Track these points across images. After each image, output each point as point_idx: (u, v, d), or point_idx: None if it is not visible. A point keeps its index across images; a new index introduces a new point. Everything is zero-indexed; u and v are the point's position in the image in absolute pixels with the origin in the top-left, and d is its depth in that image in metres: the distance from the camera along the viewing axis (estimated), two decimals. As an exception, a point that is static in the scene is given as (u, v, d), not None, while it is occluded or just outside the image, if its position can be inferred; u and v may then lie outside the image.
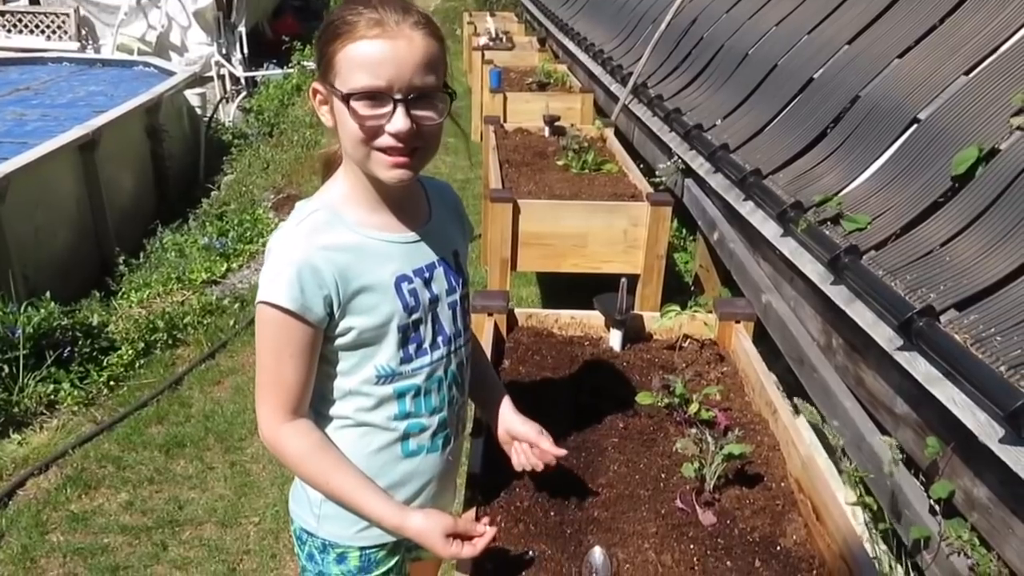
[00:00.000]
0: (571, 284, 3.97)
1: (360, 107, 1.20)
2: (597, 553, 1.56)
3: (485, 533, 1.36)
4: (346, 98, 1.20)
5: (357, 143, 1.24)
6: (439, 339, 1.43)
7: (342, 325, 1.31)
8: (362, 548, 1.47)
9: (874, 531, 2.30)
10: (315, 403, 1.39)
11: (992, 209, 2.29)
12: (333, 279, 1.27)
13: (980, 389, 1.83)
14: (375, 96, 1.20)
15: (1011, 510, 1.82)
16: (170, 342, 4.24)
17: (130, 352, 4.02)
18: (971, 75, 2.75)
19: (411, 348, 1.39)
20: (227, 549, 2.83)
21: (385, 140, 1.23)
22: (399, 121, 1.21)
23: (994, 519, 1.89)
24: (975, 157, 2.42)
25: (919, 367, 2.09)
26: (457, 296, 1.46)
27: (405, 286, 1.36)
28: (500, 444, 1.67)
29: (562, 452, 1.61)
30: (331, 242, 1.28)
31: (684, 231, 4.91)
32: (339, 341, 1.33)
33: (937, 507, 2.06)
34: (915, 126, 2.83)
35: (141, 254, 5.57)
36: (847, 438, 2.45)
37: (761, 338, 3.52)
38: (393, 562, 1.52)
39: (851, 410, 2.46)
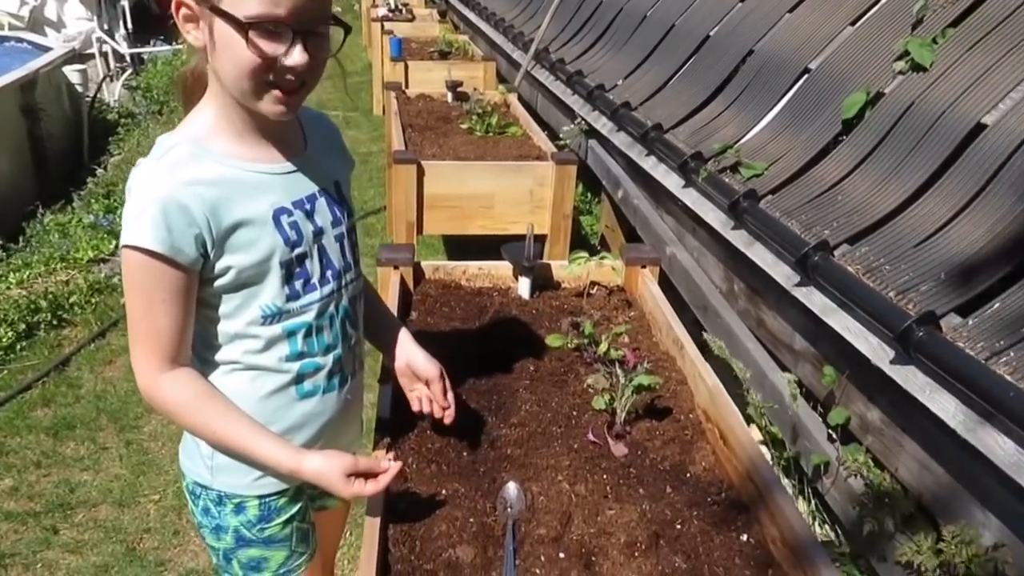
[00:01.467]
0: (479, 249, 3.94)
1: (258, 37, 1.11)
2: (511, 487, 1.54)
3: (389, 469, 1.31)
4: (243, 26, 1.09)
5: (244, 75, 1.15)
6: (328, 273, 1.37)
7: (219, 265, 1.23)
8: (261, 497, 1.41)
9: (778, 462, 2.37)
10: (199, 349, 1.31)
11: (879, 148, 2.38)
12: (203, 216, 1.17)
13: (872, 315, 1.90)
14: (273, 26, 1.11)
15: (901, 428, 1.91)
16: (55, 323, 3.99)
17: (10, 334, 3.76)
18: (857, 25, 2.85)
19: (297, 284, 1.32)
20: (125, 529, 2.69)
21: (279, 74, 1.16)
22: (298, 55, 1.14)
23: (886, 439, 1.98)
24: (863, 101, 2.51)
25: (815, 300, 2.16)
26: (343, 228, 1.40)
27: (285, 219, 1.28)
28: (399, 380, 1.62)
29: (450, 410, 1.57)
30: (197, 176, 1.18)
31: (589, 195, 4.95)
32: (219, 282, 1.24)
33: (834, 434, 2.14)
34: (806, 76, 2.92)
35: (20, 238, 5.22)
36: (751, 377, 2.52)
37: (668, 291, 3.59)
38: (295, 509, 1.46)
39: (753, 351, 2.53)
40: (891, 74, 2.54)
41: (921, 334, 1.73)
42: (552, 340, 2.04)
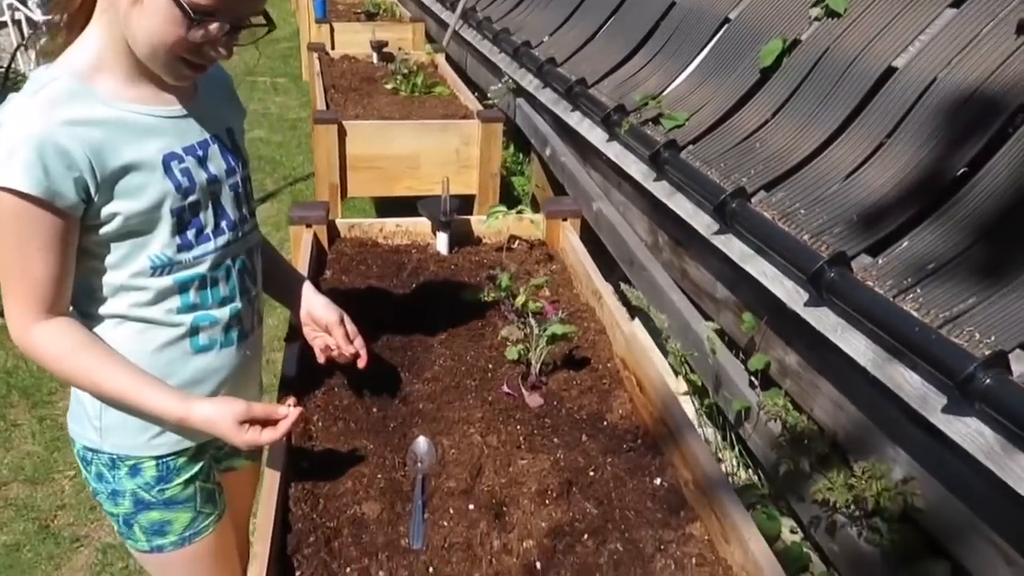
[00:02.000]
0: (412, 213, 3.85)
1: (193, 25, 1.08)
2: (421, 441, 1.50)
3: (288, 415, 1.26)
4: (184, 9, 1.05)
5: (161, 47, 1.10)
6: (223, 224, 1.30)
7: (105, 211, 1.15)
8: (157, 457, 1.34)
9: (702, 410, 2.39)
10: (82, 303, 1.23)
11: (796, 95, 2.38)
12: (85, 158, 1.09)
13: (786, 259, 1.90)
14: (212, 15, 1.08)
15: (817, 370, 1.92)
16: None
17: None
18: (775, -27, 2.84)
19: (190, 234, 1.25)
20: (38, 507, 2.58)
21: (197, 56, 1.13)
22: (224, 47, 1.14)
23: (803, 382, 2.00)
24: (780, 49, 2.51)
25: (734, 247, 2.16)
26: (238, 178, 1.33)
27: (176, 165, 1.21)
28: (302, 331, 1.57)
29: (362, 353, 1.53)
30: (78, 116, 1.10)
31: (520, 155, 4.89)
32: (104, 230, 1.16)
33: (755, 379, 2.15)
34: (726, 26, 2.90)
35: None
36: (675, 328, 2.52)
37: (595, 247, 3.57)
38: (196, 468, 1.40)
39: (677, 302, 2.52)
40: (807, 20, 2.53)
41: (832, 275, 1.73)
42: (469, 293, 2.00)
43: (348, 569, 1.24)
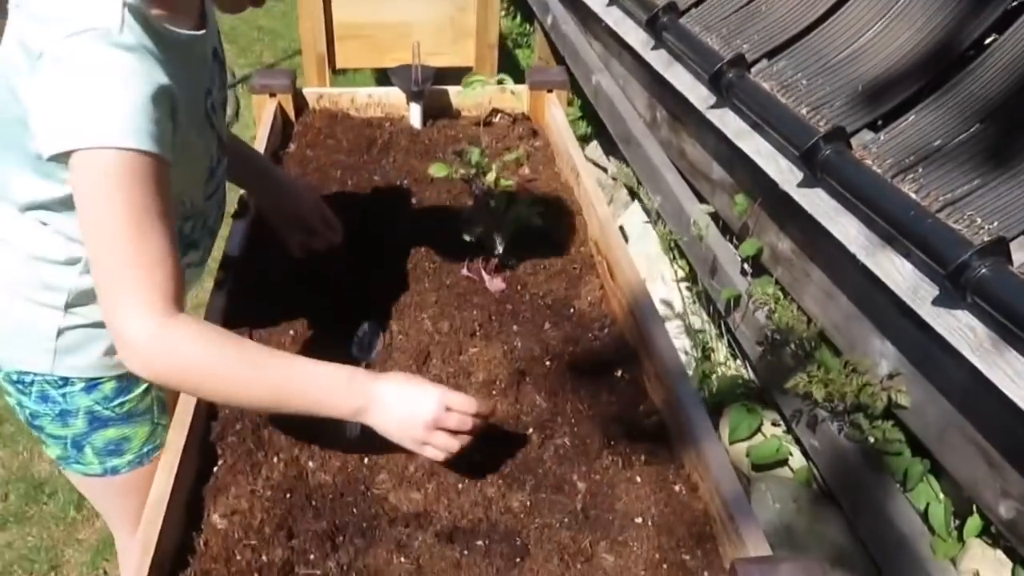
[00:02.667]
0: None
1: None
2: (365, 327, 1.41)
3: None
4: None
5: None
6: (220, 150, 1.23)
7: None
8: (118, 376, 1.26)
9: (693, 298, 2.28)
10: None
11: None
12: (167, 96, 0.93)
13: (782, 134, 1.74)
14: None
15: (809, 257, 1.79)
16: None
17: None
18: None
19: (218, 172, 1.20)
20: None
21: None
22: None
23: (795, 270, 1.87)
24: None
25: (729, 123, 1.98)
26: (224, 93, 1.26)
27: (208, 100, 1.13)
28: (270, 219, 1.47)
29: (337, 239, 1.49)
30: (152, 46, 0.93)
31: (526, 26, 4.61)
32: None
33: (746, 266, 2.03)
34: None
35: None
36: (668, 211, 2.38)
37: (596, 122, 3.38)
38: None
39: (673, 183, 2.37)
40: None
41: (828, 152, 1.57)
42: (436, 169, 1.85)
43: (275, 459, 1.18)
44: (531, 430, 1.23)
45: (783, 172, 1.76)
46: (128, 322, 0.91)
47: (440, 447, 1.02)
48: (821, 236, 1.68)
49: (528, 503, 1.12)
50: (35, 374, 1.22)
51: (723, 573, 1.03)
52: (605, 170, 3.44)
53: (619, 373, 1.38)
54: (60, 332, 1.19)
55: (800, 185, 1.70)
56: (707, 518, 1.09)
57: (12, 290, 1.18)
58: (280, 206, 1.48)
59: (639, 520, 1.09)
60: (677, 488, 1.14)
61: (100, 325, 1.12)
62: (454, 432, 1.03)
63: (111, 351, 1.19)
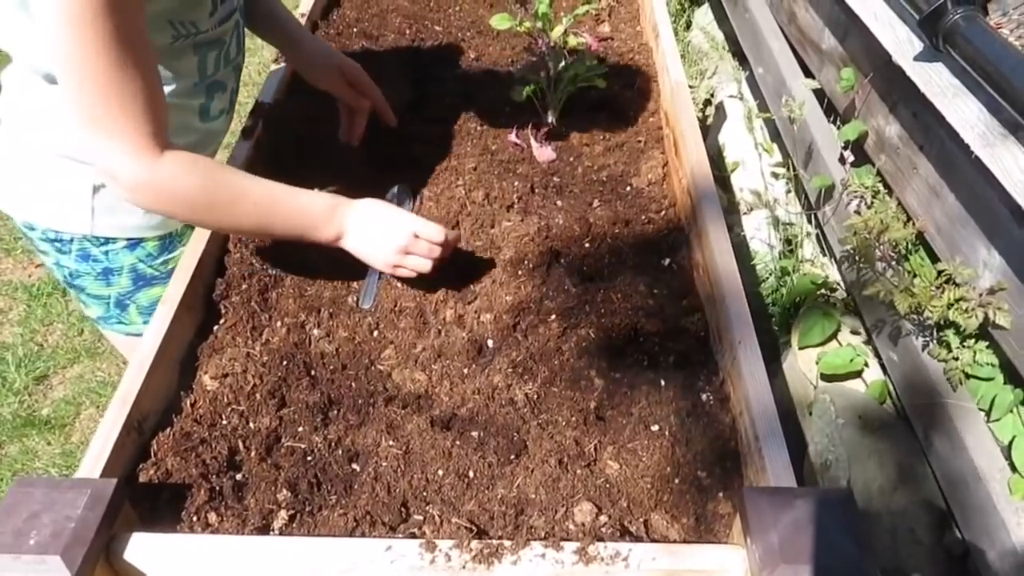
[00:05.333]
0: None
1: None
2: (395, 190, 1.30)
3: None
4: None
5: None
6: None
7: None
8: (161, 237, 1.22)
9: (787, 182, 2.05)
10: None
11: None
12: None
13: (905, -5, 1.45)
14: None
15: (919, 146, 1.54)
16: None
17: None
18: None
19: None
20: None
21: None
22: None
23: (901, 159, 1.62)
24: None
25: (847, -19, 1.69)
26: None
27: None
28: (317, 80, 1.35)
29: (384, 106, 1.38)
30: None
31: None
32: None
33: (845, 153, 1.78)
34: None
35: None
36: (769, 84, 2.12)
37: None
38: None
39: (777, 52, 2.09)
40: None
41: (955, 18, 1.29)
42: (498, 21, 1.67)
43: (279, 323, 1.11)
44: (553, 317, 1.11)
45: (900, 43, 1.49)
46: (117, 168, 0.91)
47: (411, 267, 1.08)
48: (935, 121, 1.43)
49: (536, 396, 1.02)
50: (72, 235, 1.19)
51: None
52: (714, 39, 3.11)
53: (666, 262, 1.23)
54: (96, 189, 1.14)
55: (917, 58, 1.43)
56: (733, 434, 0.97)
57: (45, 149, 1.13)
58: (339, 68, 1.34)
59: (656, 428, 0.98)
60: (705, 397, 1.01)
61: None
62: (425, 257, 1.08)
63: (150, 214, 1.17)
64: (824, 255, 2.03)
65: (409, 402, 1.02)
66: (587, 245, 1.24)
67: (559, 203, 1.34)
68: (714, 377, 1.04)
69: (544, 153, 1.41)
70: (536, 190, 1.35)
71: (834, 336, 1.74)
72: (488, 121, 1.48)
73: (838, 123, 1.90)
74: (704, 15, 3.34)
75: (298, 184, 1.05)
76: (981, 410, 1.38)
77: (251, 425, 0.99)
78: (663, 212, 1.33)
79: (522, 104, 1.48)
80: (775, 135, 2.24)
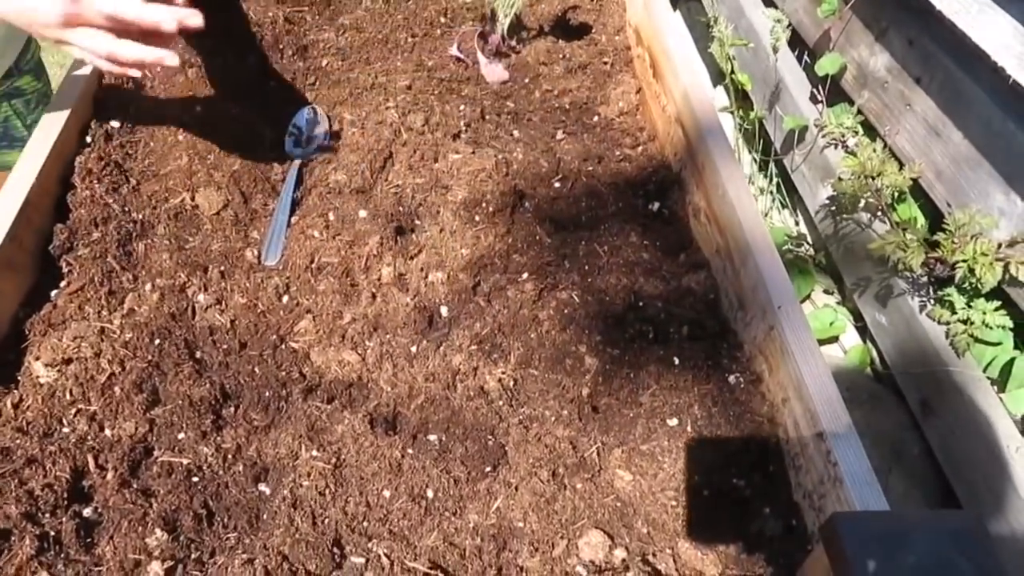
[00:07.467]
0: None
1: None
2: (306, 111, 1.00)
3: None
4: None
5: None
6: None
7: None
8: None
9: (740, 126, 1.84)
10: None
11: None
12: None
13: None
14: None
15: (915, 79, 1.35)
16: None
17: None
18: None
19: None
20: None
21: None
22: None
23: (890, 95, 1.43)
24: None
25: None
26: None
27: None
28: None
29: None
30: None
31: None
32: None
33: (819, 90, 1.58)
34: None
35: None
36: (726, 13, 1.89)
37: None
38: None
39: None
40: None
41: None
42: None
43: (149, 286, 0.80)
44: (525, 275, 0.85)
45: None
46: None
47: (80, 45, 0.74)
48: (940, 47, 1.23)
49: (512, 382, 0.76)
50: None
51: (803, 520, 0.68)
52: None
53: (655, 206, 0.98)
54: None
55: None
56: (773, 426, 0.74)
57: None
58: None
59: (674, 422, 0.73)
60: (732, 379, 0.77)
61: None
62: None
63: None
64: (785, 207, 1.84)
65: (337, 394, 0.75)
66: (557, 185, 0.98)
67: (516, 133, 1.06)
68: (738, 353, 0.80)
69: (494, 72, 1.13)
70: (487, 116, 1.07)
71: (808, 296, 1.55)
72: (421, 29, 1.18)
73: (806, 58, 1.69)
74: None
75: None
76: (989, 379, 1.22)
77: (107, 433, 0.69)
78: (640, 147, 1.08)
79: (464, 9, 1.19)
80: (718, 76, 2.02)
